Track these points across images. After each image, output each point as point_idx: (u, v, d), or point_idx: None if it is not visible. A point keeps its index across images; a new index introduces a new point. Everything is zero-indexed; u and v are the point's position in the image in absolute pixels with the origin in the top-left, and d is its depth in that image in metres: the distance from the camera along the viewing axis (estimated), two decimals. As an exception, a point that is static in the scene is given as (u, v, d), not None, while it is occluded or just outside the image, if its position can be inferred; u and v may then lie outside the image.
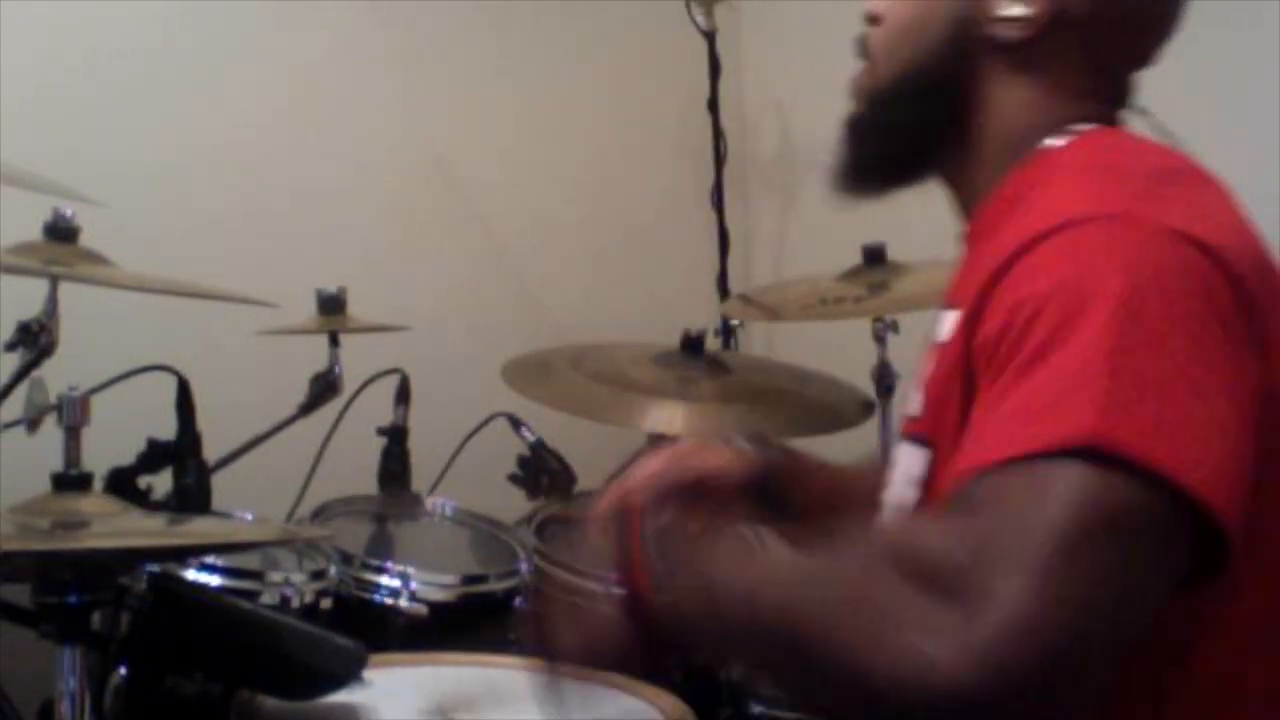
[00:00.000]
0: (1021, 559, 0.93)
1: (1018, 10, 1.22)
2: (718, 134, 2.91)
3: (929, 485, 1.20)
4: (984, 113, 1.26)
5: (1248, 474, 1.01)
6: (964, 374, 1.12)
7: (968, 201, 1.31)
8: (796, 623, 1.01)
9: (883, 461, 1.35)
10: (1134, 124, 1.30)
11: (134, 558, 1.42)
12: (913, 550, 0.98)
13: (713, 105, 2.89)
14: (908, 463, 1.23)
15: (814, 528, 1.49)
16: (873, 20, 1.32)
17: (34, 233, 1.75)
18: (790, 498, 1.51)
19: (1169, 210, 1.09)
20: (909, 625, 0.93)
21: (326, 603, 1.80)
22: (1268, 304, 1.09)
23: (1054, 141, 1.24)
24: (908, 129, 1.29)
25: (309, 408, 2.05)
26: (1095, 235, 1.07)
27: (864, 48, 1.32)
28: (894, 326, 2.28)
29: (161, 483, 1.76)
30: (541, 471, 2.14)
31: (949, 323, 1.21)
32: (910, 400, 1.27)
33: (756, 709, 1.90)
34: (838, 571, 1.04)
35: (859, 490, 1.49)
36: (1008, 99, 1.25)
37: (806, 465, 1.53)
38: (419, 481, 2.19)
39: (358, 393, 2.14)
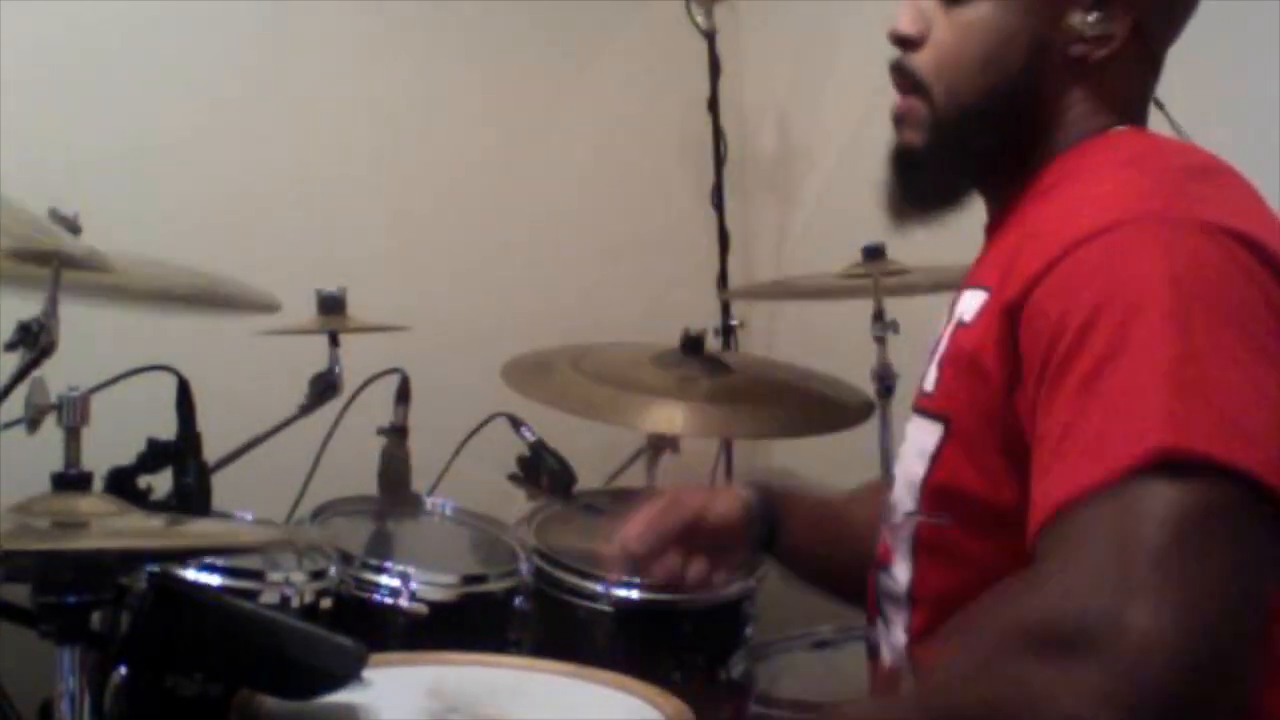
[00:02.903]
0: (1131, 587, 0.92)
1: (1102, 29, 1.22)
2: (718, 134, 2.91)
3: (939, 458, 1.21)
4: (1051, 123, 1.26)
5: None
6: (1005, 362, 1.12)
7: (1001, 193, 1.31)
8: None
9: (882, 483, 1.37)
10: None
11: (134, 558, 1.42)
12: (1023, 621, 0.98)
13: (713, 105, 2.89)
14: (920, 436, 1.25)
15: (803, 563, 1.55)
16: (906, 43, 1.29)
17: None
18: (781, 535, 1.58)
19: (1204, 205, 1.10)
20: (1054, 697, 0.93)
21: (326, 603, 1.80)
22: None
23: (1088, 138, 1.25)
24: (988, 150, 1.28)
25: (309, 408, 2.05)
26: (1136, 237, 1.07)
27: (909, 76, 1.29)
28: (894, 326, 2.28)
29: (161, 483, 1.76)
30: (541, 471, 2.14)
31: (973, 303, 1.21)
32: (925, 376, 1.27)
33: (756, 709, 1.90)
34: (958, 679, 1.02)
35: (854, 518, 1.52)
36: (1073, 108, 1.26)
37: (799, 501, 1.57)
38: (419, 481, 2.19)
39: (358, 393, 2.14)
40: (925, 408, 1.25)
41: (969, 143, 1.28)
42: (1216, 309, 1.03)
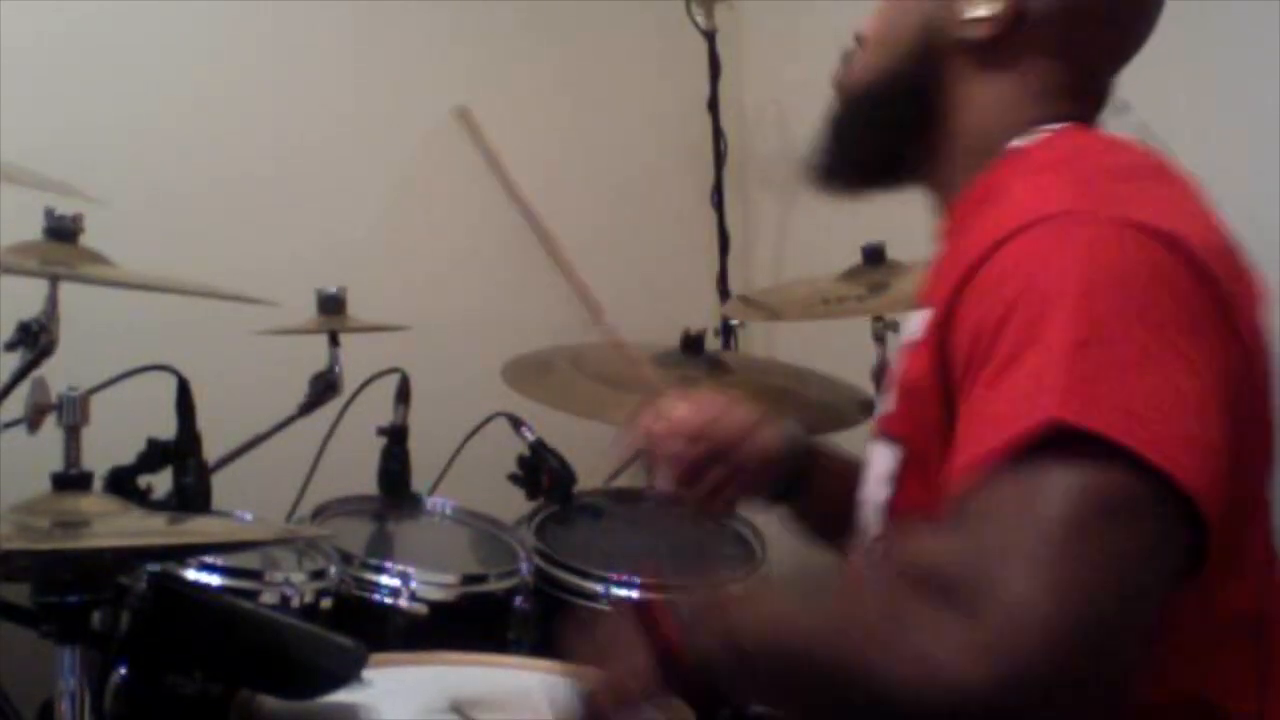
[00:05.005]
0: (1016, 553, 0.95)
1: (982, 10, 1.24)
2: (718, 134, 2.91)
3: (900, 482, 1.21)
4: (955, 113, 1.28)
5: (1223, 454, 1.01)
6: (939, 376, 1.13)
7: (943, 202, 1.32)
8: (814, 649, 1.03)
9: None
10: (1115, 121, 1.30)
11: (134, 558, 1.42)
12: (917, 565, 1.01)
13: (713, 105, 2.89)
14: (880, 461, 1.25)
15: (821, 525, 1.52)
16: (860, 41, 1.35)
17: (34, 232, 1.75)
18: (806, 489, 1.53)
19: (1127, 204, 1.10)
20: (919, 634, 0.95)
21: (326, 603, 1.80)
22: (1236, 294, 1.10)
23: (1022, 141, 1.24)
24: (881, 130, 1.32)
25: (309, 408, 2.05)
26: (1051, 234, 1.08)
27: (847, 60, 1.36)
28: (894, 326, 2.28)
29: (161, 483, 1.76)
30: (541, 471, 2.14)
31: (919, 322, 1.22)
32: (885, 399, 1.28)
33: (756, 709, 1.90)
34: (851, 597, 1.07)
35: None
36: (978, 99, 1.27)
37: (830, 459, 1.55)
38: (419, 481, 2.19)
39: (358, 393, 2.14)
40: (883, 431, 1.26)
41: (868, 117, 1.32)
42: (1128, 302, 1.03)
